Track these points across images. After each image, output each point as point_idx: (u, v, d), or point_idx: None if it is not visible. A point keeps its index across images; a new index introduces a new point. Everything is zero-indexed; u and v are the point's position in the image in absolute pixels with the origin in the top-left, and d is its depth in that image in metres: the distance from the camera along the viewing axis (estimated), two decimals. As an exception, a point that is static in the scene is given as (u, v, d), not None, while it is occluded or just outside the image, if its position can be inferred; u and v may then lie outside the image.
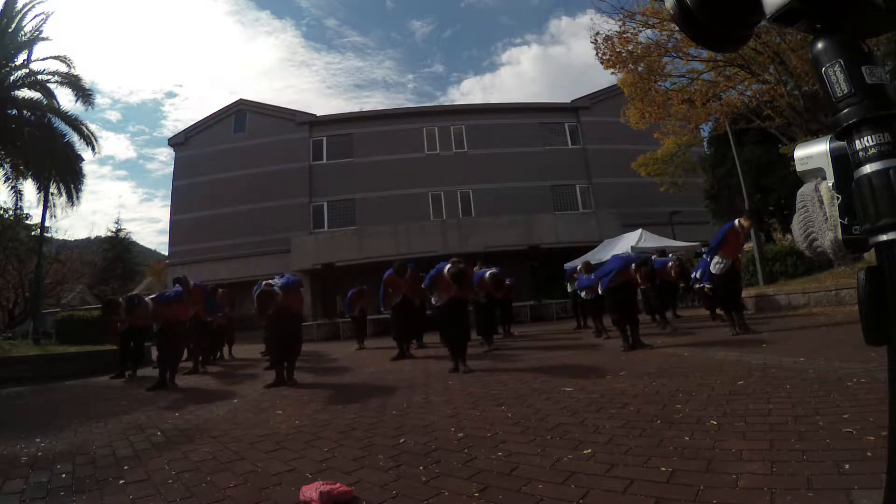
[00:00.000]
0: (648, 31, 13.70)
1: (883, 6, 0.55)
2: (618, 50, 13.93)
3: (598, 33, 14.18)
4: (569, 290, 11.81)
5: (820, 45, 0.56)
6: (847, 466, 1.93)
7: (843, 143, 0.59)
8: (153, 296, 7.46)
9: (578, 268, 11.16)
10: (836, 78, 0.55)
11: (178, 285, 8.05)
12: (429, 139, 26.20)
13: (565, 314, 17.23)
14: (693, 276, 9.20)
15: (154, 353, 9.07)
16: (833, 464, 1.97)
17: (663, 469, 2.11)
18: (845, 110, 0.55)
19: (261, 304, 6.03)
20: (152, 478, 2.69)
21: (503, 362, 6.69)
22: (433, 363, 7.26)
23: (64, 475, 2.89)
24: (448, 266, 6.53)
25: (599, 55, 14.25)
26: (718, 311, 8.92)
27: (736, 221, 7.15)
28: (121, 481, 2.67)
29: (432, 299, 6.87)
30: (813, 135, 12.10)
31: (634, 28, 13.73)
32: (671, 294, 10.28)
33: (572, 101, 27.55)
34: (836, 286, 9.53)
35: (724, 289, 7.40)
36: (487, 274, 8.28)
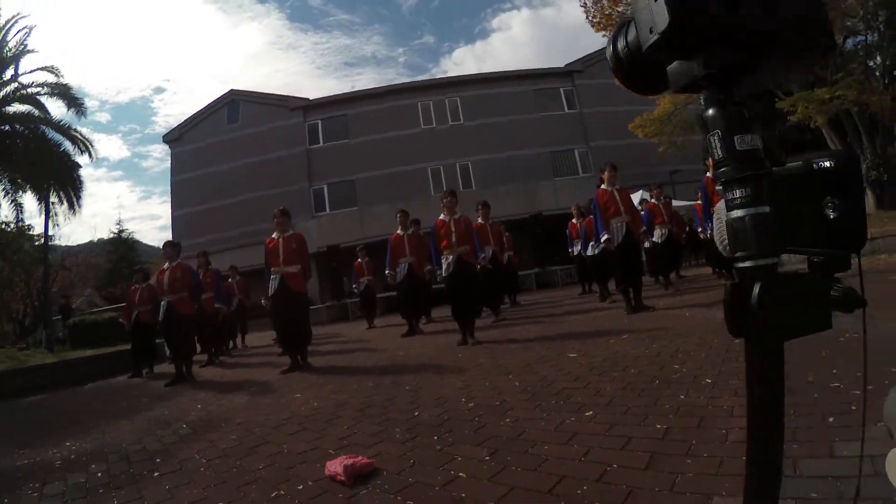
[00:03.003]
0: (637, -10, 13.52)
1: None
2: (607, 12, 13.81)
3: (587, -5, 14.03)
4: (573, 254, 11.78)
5: (708, 113, 0.70)
6: (831, 420, 2.05)
7: None
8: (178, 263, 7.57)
9: (574, 217, 11.17)
10: (715, 145, 0.69)
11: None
12: (424, 114, 26.07)
13: (570, 280, 17.38)
14: (702, 231, 9.24)
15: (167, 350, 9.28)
16: (818, 417, 2.09)
17: (659, 426, 2.26)
18: (721, 170, 0.70)
19: None
20: (185, 468, 2.85)
21: (510, 332, 6.83)
22: (442, 337, 7.39)
23: (100, 474, 3.03)
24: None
25: (590, 18, 14.13)
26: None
27: (707, 173, 7.48)
28: (155, 474, 2.83)
29: (442, 262, 6.78)
30: (809, 87, 12.08)
31: (623, -12, 13.58)
32: (674, 255, 10.31)
33: (566, 66, 27.26)
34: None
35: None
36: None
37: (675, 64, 0.71)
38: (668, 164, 21.77)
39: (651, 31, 0.66)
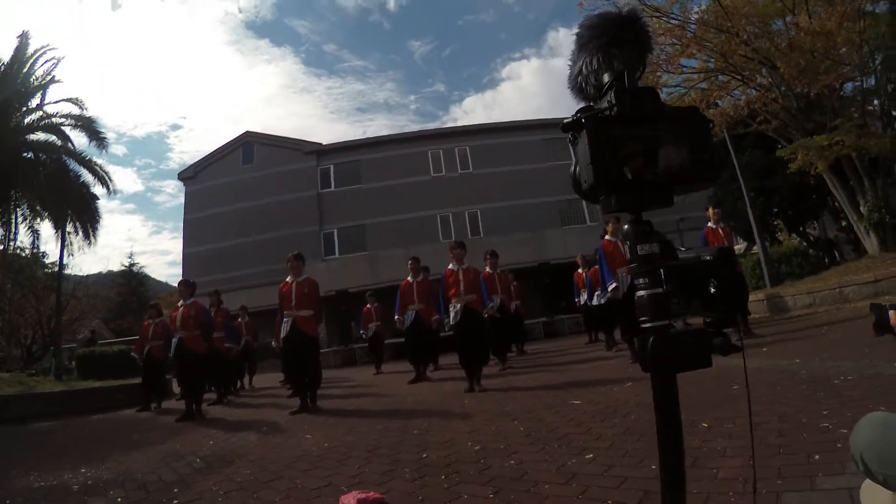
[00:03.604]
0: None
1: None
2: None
3: (591, 50, 14.41)
4: (579, 303, 11.94)
5: (625, 228, 1.13)
6: (817, 457, 2.19)
7: None
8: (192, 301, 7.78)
9: (580, 267, 11.47)
10: (627, 251, 1.12)
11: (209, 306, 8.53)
12: (434, 162, 26.60)
13: (578, 328, 17.39)
14: None
15: (175, 386, 9.39)
16: (805, 455, 2.24)
17: (654, 467, 2.37)
18: (632, 265, 1.11)
19: None
20: (203, 498, 2.97)
21: (516, 380, 6.91)
22: (449, 384, 7.44)
23: (119, 499, 3.14)
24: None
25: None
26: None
27: (709, 223, 7.98)
28: (175, 502, 2.95)
29: (450, 310, 6.95)
30: (808, 134, 12.31)
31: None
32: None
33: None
34: (840, 283, 9.70)
35: None
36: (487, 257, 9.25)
37: (603, 197, 1.11)
38: (675, 213, 21.99)
39: (585, 182, 1.08)
